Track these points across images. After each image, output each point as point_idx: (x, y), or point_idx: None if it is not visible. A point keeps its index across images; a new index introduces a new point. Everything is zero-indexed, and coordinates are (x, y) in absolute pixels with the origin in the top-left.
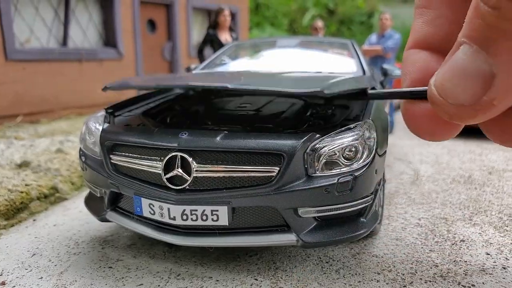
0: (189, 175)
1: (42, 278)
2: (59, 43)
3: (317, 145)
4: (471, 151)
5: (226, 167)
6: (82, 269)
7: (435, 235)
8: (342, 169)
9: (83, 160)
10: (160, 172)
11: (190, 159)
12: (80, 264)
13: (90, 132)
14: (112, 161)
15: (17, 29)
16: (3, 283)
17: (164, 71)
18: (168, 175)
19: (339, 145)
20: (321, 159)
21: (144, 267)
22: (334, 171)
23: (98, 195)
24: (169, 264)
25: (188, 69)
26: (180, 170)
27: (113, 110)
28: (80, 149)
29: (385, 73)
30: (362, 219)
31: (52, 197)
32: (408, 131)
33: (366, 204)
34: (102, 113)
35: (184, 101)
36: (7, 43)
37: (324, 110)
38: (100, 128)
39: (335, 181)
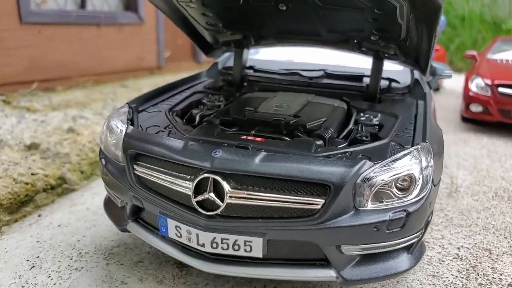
0: (222, 200)
1: None
2: (77, 5)
3: (370, 175)
4: None
5: (263, 195)
6: None
7: (478, 274)
8: (394, 202)
9: (104, 163)
10: (190, 193)
11: (223, 183)
12: (81, 285)
13: (112, 131)
14: (135, 172)
15: None
16: None
17: (185, 39)
18: (198, 198)
19: (393, 175)
20: (372, 190)
21: None
22: (385, 204)
23: (120, 205)
24: None
25: (215, 65)
26: (212, 194)
27: (137, 105)
28: (101, 151)
29: (433, 72)
30: (408, 254)
31: (59, 188)
32: (444, 126)
33: (415, 240)
34: (125, 109)
35: (213, 93)
36: (22, 4)
37: (370, 118)
38: (123, 129)
39: (387, 218)
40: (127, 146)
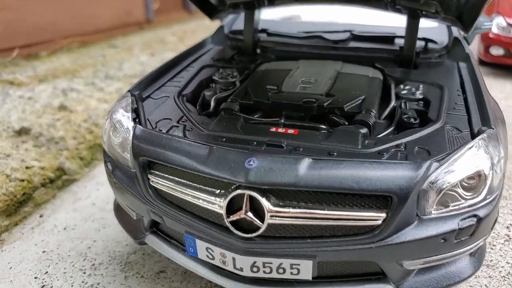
0: (262, 220)
1: None
2: None
3: (436, 177)
4: None
5: (311, 212)
6: None
7: None
8: (461, 205)
9: (110, 169)
10: (222, 212)
11: (262, 200)
12: None
13: (116, 129)
14: (151, 183)
15: None
16: None
17: None
18: (232, 218)
19: (462, 176)
20: (438, 195)
21: None
22: (451, 209)
23: (134, 218)
24: None
25: (221, 29)
26: (250, 214)
27: (140, 91)
28: (105, 153)
29: None
30: (471, 257)
31: (58, 180)
32: None
33: (482, 244)
34: (127, 98)
35: (223, 66)
36: None
37: (412, 90)
38: (130, 127)
39: (455, 227)
40: (138, 152)
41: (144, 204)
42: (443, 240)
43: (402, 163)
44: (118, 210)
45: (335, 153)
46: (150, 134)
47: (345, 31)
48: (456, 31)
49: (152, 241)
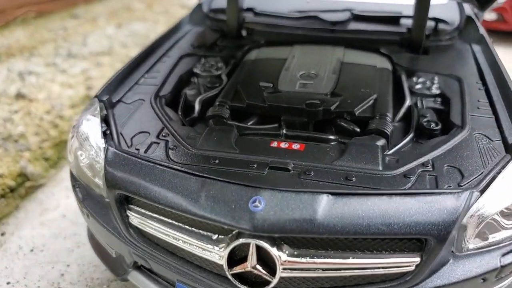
0: (273, 273)
1: None
2: None
3: (477, 209)
4: None
5: (333, 263)
6: None
7: None
8: (501, 236)
9: (80, 197)
10: (223, 263)
11: (273, 250)
12: None
13: (84, 147)
14: (130, 221)
15: None
16: None
17: None
18: (235, 271)
19: (505, 202)
20: (477, 228)
21: None
22: (491, 242)
23: (114, 255)
24: None
25: (199, 8)
26: (259, 267)
27: (109, 95)
28: (72, 176)
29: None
30: None
31: (21, 188)
32: None
33: None
34: (95, 108)
35: (205, 55)
36: None
37: (427, 84)
38: (101, 145)
39: (497, 266)
40: (112, 184)
41: (125, 244)
42: (482, 280)
43: (437, 194)
44: (94, 238)
45: (353, 178)
46: (127, 160)
47: (344, 10)
48: (468, 8)
49: (137, 279)
